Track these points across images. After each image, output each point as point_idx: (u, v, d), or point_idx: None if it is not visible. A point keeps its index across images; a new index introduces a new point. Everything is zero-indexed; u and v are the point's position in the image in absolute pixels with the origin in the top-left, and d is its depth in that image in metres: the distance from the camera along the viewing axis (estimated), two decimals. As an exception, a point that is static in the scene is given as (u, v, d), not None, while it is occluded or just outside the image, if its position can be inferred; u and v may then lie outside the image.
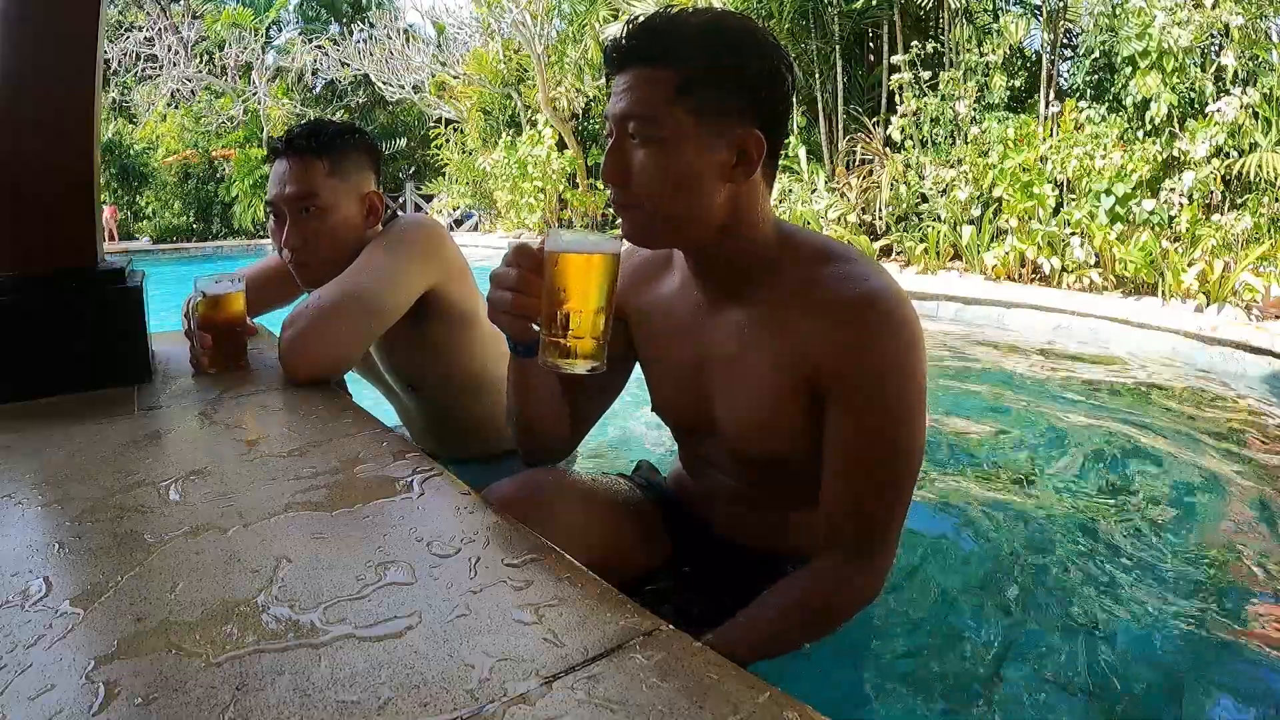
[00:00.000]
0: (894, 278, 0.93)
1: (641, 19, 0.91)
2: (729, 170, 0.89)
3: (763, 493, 1.07)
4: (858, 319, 0.88)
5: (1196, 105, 5.13)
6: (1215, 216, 4.77)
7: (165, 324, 1.60)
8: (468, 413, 1.57)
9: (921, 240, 6.14)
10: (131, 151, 13.29)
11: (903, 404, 0.90)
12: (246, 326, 1.44)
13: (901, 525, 0.97)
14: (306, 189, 1.36)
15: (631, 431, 2.31)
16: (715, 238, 0.93)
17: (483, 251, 9.51)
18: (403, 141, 16.39)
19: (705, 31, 0.89)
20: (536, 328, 0.87)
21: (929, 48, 6.57)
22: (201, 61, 15.30)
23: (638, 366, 1.16)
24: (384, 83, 14.00)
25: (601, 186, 10.71)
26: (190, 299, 1.39)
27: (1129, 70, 5.30)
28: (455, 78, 12.87)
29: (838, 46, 7.17)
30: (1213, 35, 5.20)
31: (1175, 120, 5.09)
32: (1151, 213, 4.87)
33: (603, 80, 10.66)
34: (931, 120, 6.30)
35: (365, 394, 1.65)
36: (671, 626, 0.63)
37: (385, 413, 1.70)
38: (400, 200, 14.30)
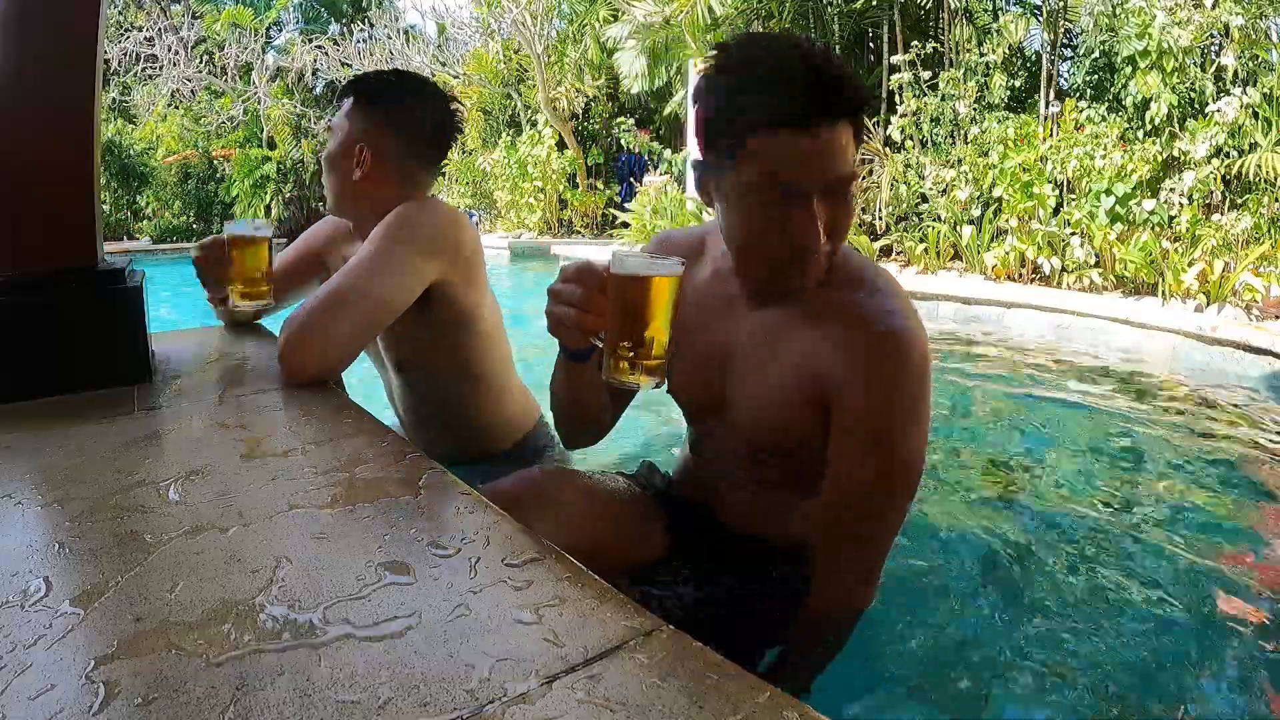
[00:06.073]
0: (918, 316, 0.95)
1: (826, 67, 0.84)
2: None
3: (767, 479, 1.09)
4: (872, 354, 0.91)
5: (1196, 105, 5.13)
6: (1215, 216, 4.76)
7: (165, 324, 1.60)
8: (450, 408, 1.56)
9: (921, 240, 6.13)
10: (131, 151, 13.26)
11: (901, 441, 0.94)
12: (268, 271, 1.47)
13: (887, 551, 1.01)
14: None
15: (633, 432, 2.31)
16: None
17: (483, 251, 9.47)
18: (403, 141, 16.31)
19: (852, 73, 0.88)
20: (597, 343, 0.90)
21: (929, 48, 6.56)
22: (201, 62, 15.27)
23: None
24: (384, 83, 13.94)
25: (601, 187, 10.70)
26: (213, 239, 1.46)
27: (1129, 70, 5.29)
28: (455, 78, 12.86)
29: (838, 46, 7.16)
30: (1213, 35, 5.19)
31: (1175, 120, 5.09)
32: (1151, 213, 4.87)
33: (603, 80, 10.65)
34: (931, 120, 6.30)
35: (358, 381, 1.65)
36: (672, 626, 0.63)
37: (378, 400, 1.70)
38: (400, 200, 14.18)
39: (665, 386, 0.89)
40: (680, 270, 0.86)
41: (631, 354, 0.85)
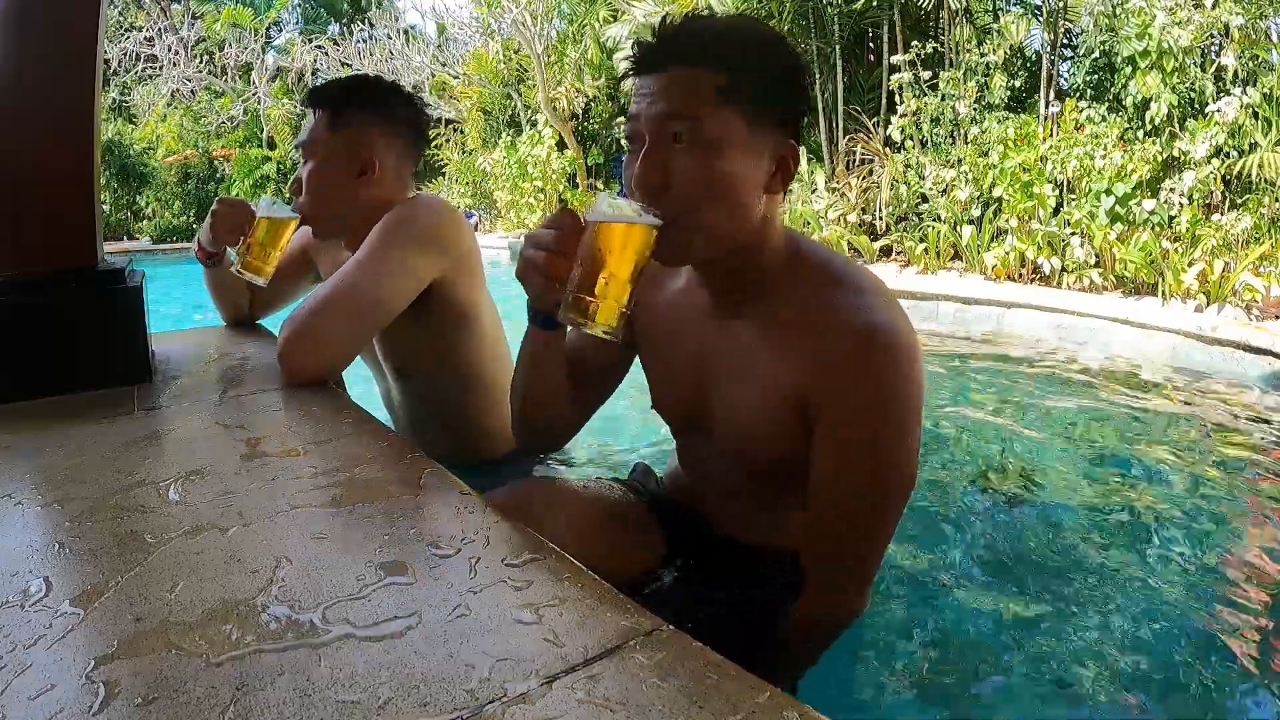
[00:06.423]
0: (901, 310, 0.91)
1: (675, 20, 0.88)
2: (768, 181, 0.89)
3: (756, 488, 1.08)
4: (854, 354, 0.86)
5: (1196, 105, 5.13)
6: (1215, 216, 4.77)
7: (165, 324, 1.60)
8: (448, 410, 1.55)
9: (921, 240, 6.13)
10: (131, 151, 13.27)
11: (889, 444, 0.89)
12: (279, 253, 1.47)
13: (880, 559, 0.98)
14: None
15: (628, 432, 2.31)
16: (735, 251, 0.92)
17: (483, 252, 9.50)
18: (402, 142, 16.33)
19: (747, 37, 0.88)
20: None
21: (929, 48, 6.55)
22: (201, 61, 15.30)
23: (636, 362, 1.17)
24: (384, 83, 13.95)
25: (602, 187, 10.70)
26: (241, 200, 1.53)
27: (1129, 70, 5.29)
28: (455, 78, 12.86)
29: (838, 46, 7.16)
30: (1213, 35, 5.19)
31: (1175, 120, 5.09)
32: (1151, 213, 4.87)
33: (602, 80, 10.65)
34: (931, 120, 6.29)
35: (357, 381, 1.65)
36: (671, 626, 0.63)
37: (374, 397, 1.70)
38: (400, 200, 14.21)
39: (618, 339, 0.84)
40: (656, 223, 0.83)
41: (591, 295, 0.82)
